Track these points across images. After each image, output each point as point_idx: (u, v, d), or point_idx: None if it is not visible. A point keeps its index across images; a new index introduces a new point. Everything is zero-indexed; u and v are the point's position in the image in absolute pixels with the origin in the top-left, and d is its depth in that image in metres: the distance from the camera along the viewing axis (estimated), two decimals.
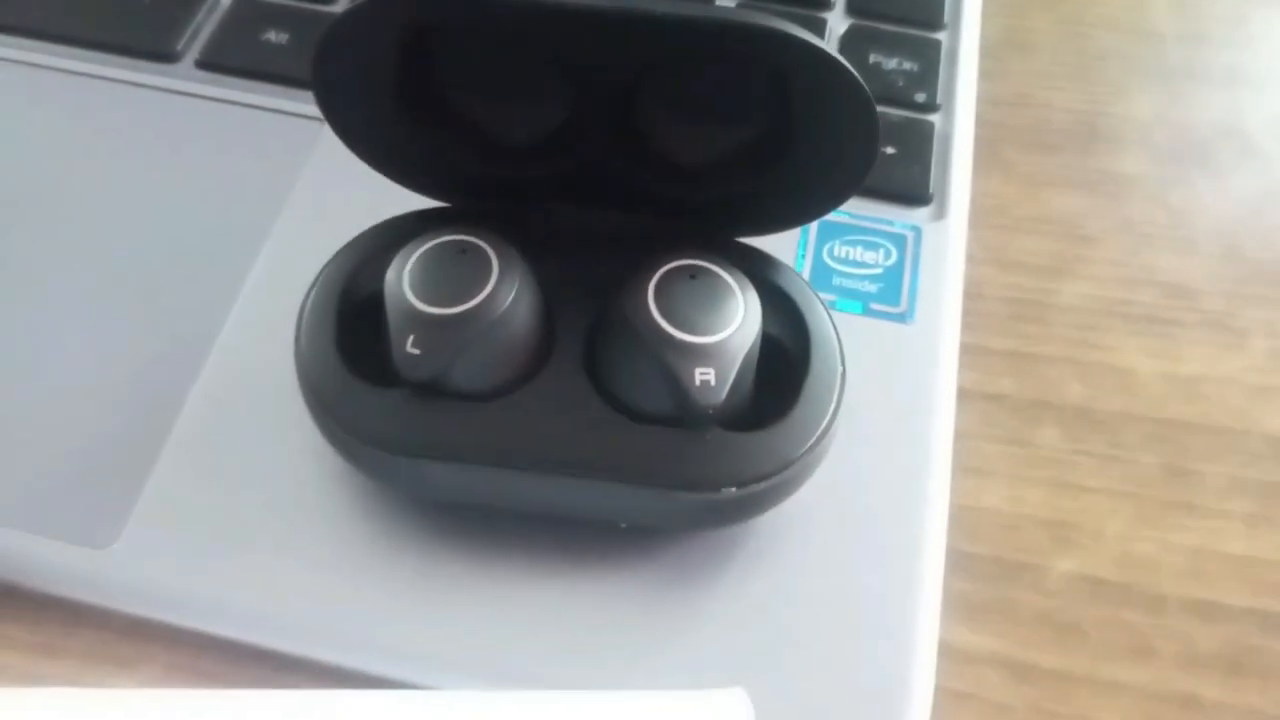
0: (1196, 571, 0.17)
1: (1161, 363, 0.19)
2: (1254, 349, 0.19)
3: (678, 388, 0.13)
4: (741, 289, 0.14)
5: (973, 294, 0.19)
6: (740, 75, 0.14)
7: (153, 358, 0.17)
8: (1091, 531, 0.17)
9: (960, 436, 0.17)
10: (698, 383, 0.13)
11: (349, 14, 0.13)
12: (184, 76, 0.20)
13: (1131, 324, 0.20)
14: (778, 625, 0.15)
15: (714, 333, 0.14)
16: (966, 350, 0.18)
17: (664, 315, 0.14)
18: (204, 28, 0.21)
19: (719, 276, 0.14)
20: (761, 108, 0.15)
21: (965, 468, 0.18)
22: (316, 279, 0.15)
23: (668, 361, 0.13)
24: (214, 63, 0.20)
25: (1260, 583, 0.17)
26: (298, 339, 0.14)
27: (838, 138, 0.14)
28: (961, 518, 0.17)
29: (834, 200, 0.15)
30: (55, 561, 0.15)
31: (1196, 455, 0.18)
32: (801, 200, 0.15)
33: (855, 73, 0.13)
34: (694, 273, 0.14)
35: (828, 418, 0.14)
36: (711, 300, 0.14)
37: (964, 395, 0.18)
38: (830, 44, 0.20)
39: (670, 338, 0.13)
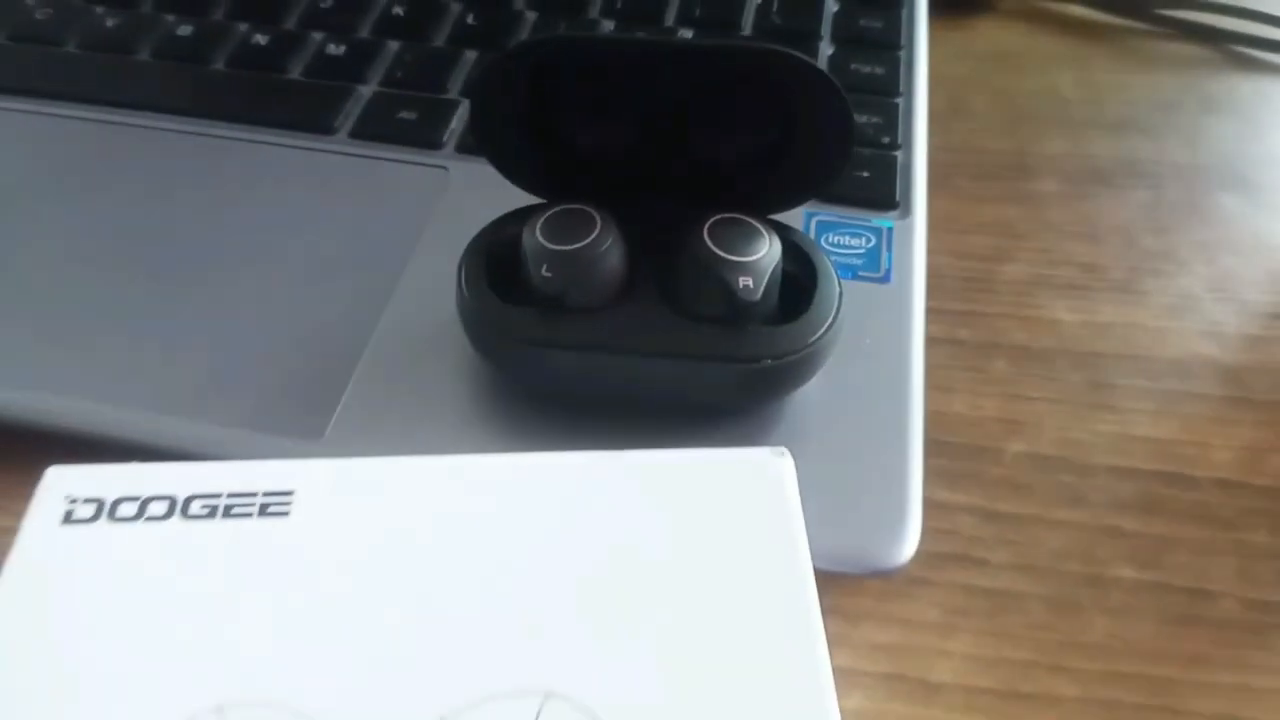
0: (1115, 449, 0.22)
1: (1081, 315, 0.25)
2: (1151, 304, 0.25)
3: (728, 290, 0.19)
4: (766, 231, 0.20)
5: (934, 274, 0.25)
6: (760, 95, 0.21)
7: (345, 314, 0.23)
8: (1034, 425, 0.23)
9: (931, 368, 0.23)
10: (740, 287, 0.19)
11: (495, 63, 0.20)
12: (341, 143, 0.27)
13: (1057, 291, 0.26)
14: (807, 478, 0.20)
15: (751, 255, 0.20)
16: (933, 312, 0.24)
17: (716, 243, 0.20)
18: (353, 111, 0.28)
19: (751, 223, 0.20)
20: (773, 121, 0.21)
21: (936, 387, 0.23)
22: (470, 243, 0.21)
23: (721, 273, 0.19)
24: (363, 133, 0.27)
25: (1163, 454, 0.22)
26: (458, 279, 0.20)
27: (825, 139, 0.20)
28: (936, 419, 0.23)
29: (823, 184, 0.21)
30: (281, 449, 0.21)
31: (1112, 374, 0.24)
32: (800, 185, 0.22)
33: (839, 84, 0.19)
34: (734, 220, 0.20)
35: (831, 316, 0.20)
36: (747, 236, 0.20)
37: (932, 341, 0.24)
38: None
39: (722, 258, 0.19)
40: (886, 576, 0.20)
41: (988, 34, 0.34)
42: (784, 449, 0.17)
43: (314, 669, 0.14)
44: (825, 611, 0.19)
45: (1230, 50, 0.33)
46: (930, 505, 0.21)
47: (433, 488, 0.16)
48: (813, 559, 0.18)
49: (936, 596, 0.20)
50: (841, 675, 0.18)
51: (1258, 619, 0.20)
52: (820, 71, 0.19)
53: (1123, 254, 0.27)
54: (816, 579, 0.15)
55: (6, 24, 0.31)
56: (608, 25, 0.31)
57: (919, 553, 0.20)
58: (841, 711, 0.18)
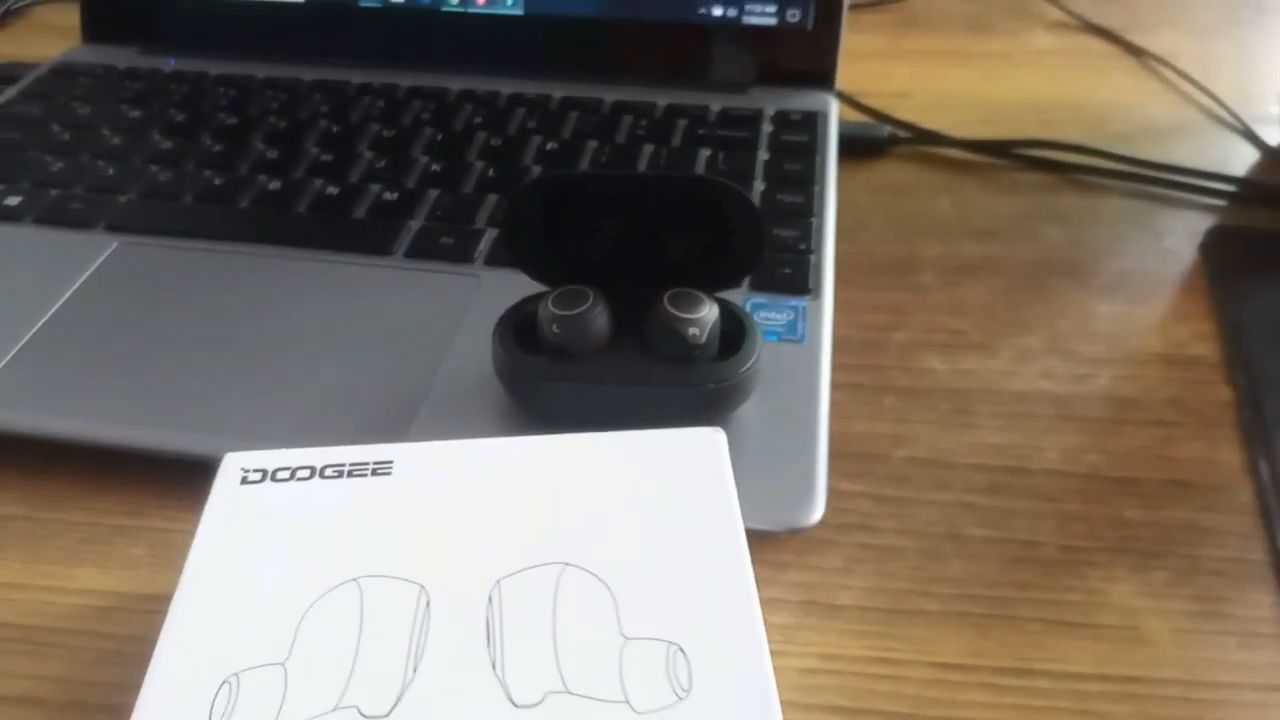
0: (973, 452, 0.30)
1: (951, 365, 0.33)
2: (1002, 356, 0.34)
3: (681, 338, 0.27)
4: (709, 299, 0.29)
5: (841, 340, 0.34)
6: (703, 212, 0.30)
7: (411, 373, 0.31)
8: (914, 439, 0.31)
9: (837, 403, 0.31)
10: (690, 335, 0.28)
11: (519, 193, 0.29)
12: (398, 262, 0.36)
13: (933, 349, 0.34)
14: (745, 469, 0.28)
15: (697, 314, 0.28)
16: (840, 366, 0.33)
17: (673, 307, 0.28)
18: (405, 238, 0.37)
19: (698, 294, 0.29)
20: (712, 229, 0.30)
21: (842, 416, 0.31)
22: (501, 316, 0.29)
23: (676, 326, 0.28)
24: (414, 254, 0.36)
25: (1008, 454, 0.30)
26: (493, 339, 0.29)
27: (748, 242, 0.29)
28: (841, 437, 0.31)
29: (745, 274, 0.30)
30: None
31: (973, 403, 0.32)
32: (732, 273, 0.30)
33: (756, 206, 0.28)
34: (686, 292, 0.29)
35: (754, 357, 0.28)
36: (695, 302, 0.28)
37: (839, 385, 0.32)
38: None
39: (677, 316, 0.28)
40: (802, 534, 0.28)
41: (885, 172, 0.43)
42: (719, 429, 0.24)
43: (412, 559, 0.21)
44: (759, 562, 0.27)
45: (1069, 177, 0.43)
46: (835, 492, 0.29)
47: (478, 456, 0.24)
48: (748, 521, 0.26)
49: (840, 551, 0.28)
50: (771, 602, 0.26)
51: (1069, 558, 0.27)
52: (744, 197, 0.28)
53: (983, 323, 0.35)
54: (753, 538, 0.23)
55: (138, 183, 0.40)
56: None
57: (827, 523, 0.27)
58: (769, 626, 0.25)
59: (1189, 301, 0.36)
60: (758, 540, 0.27)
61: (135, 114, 0.45)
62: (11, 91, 0.47)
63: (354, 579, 0.21)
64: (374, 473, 0.23)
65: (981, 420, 0.31)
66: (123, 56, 0.49)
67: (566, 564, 0.21)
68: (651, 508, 0.22)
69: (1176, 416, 0.32)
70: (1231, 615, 0.26)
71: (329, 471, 0.23)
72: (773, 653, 0.25)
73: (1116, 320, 0.35)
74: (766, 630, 0.25)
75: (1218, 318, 0.35)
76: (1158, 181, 0.42)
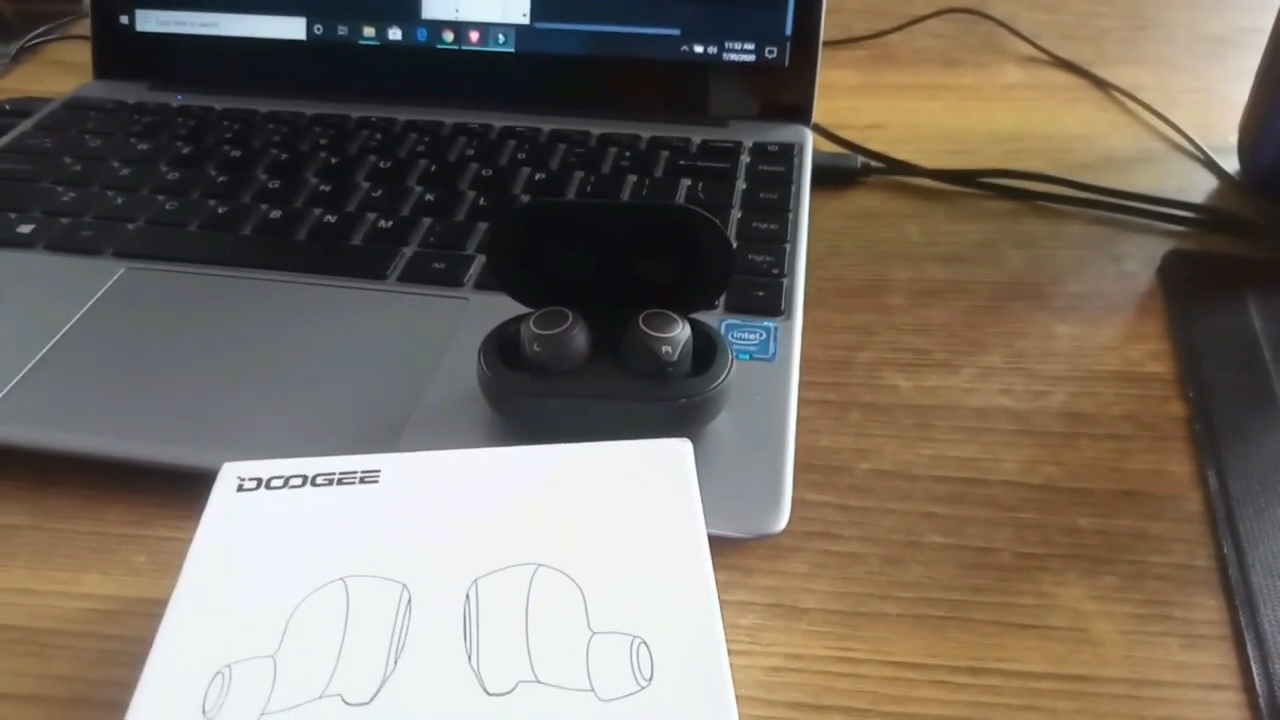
0: (934, 465, 0.32)
1: (914, 383, 0.35)
2: (964, 374, 0.35)
3: (655, 355, 0.29)
4: (681, 319, 0.30)
5: (810, 359, 0.35)
6: (676, 237, 0.31)
7: (401, 388, 0.32)
8: (877, 452, 0.32)
9: (805, 418, 0.33)
10: (663, 353, 0.29)
11: (504, 221, 0.30)
12: (391, 286, 0.38)
13: (897, 368, 0.35)
14: (716, 479, 0.29)
15: (670, 333, 0.29)
16: (808, 383, 0.34)
17: (647, 326, 0.29)
18: (399, 264, 0.39)
19: (670, 314, 0.30)
20: (685, 254, 0.31)
21: (809, 430, 0.33)
22: (486, 336, 0.31)
23: (650, 344, 0.29)
24: (407, 278, 0.38)
25: (967, 466, 0.31)
26: (478, 358, 0.30)
27: (717, 266, 0.31)
28: (808, 451, 0.32)
29: (715, 297, 0.31)
30: None
31: (934, 419, 0.33)
32: (703, 295, 0.31)
33: (725, 231, 0.30)
34: (660, 313, 0.30)
35: (725, 374, 0.29)
36: (668, 321, 0.30)
37: (807, 401, 0.33)
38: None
39: (651, 335, 0.29)
40: (769, 541, 0.29)
41: (857, 200, 0.45)
42: (686, 439, 0.26)
43: (392, 556, 0.23)
44: (728, 567, 0.28)
45: (1033, 204, 0.44)
46: (801, 502, 0.30)
47: (459, 465, 0.25)
48: (718, 528, 0.27)
49: (804, 557, 0.29)
50: (738, 605, 0.27)
51: (1023, 564, 0.29)
52: (714, 224, 0.29)
53: (946, 342, 0.36)
54: (721, 545, 0.24)
55: (145, 212, 0.42)
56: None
57: (793, 531, 0.29)
58: (736, 628, 0.27)
59: (1145, 322, 0.38)
60: (727, 546, 0.29)
61: (143, 146, 0.46)
62: (25, 125, 0.49)
63: (341, 578, 0.22)
64: (362, 480, 0.25)
65: (943, 434, 0.33)
66: (132, 92, 0.51)
67: (540, 564, 0.22)
68: (620, 513, 0.24)
69: (1130, 430, 0.33)
70: (1176, 618, 0.27)
71: (320, 480, 0.25)
72: (739, 652, 0.26)
73: (1075, 340, 0.37)
74: (734, 631, 0.27)
75: (1173, 337, 0.37)
76: (1118, 208, 0.44)
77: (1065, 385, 0.35)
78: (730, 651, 0.25)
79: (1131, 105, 0.53)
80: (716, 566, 0.22)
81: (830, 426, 0.33)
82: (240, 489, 0.25)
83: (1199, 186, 0.46)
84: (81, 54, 0.53)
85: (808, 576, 0.28)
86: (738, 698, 0.20)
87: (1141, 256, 0.41)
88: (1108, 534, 0.30)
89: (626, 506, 0.24)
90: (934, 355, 0.36)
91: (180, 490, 0.30)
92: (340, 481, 0.25)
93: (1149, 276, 0.40)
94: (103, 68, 0.53)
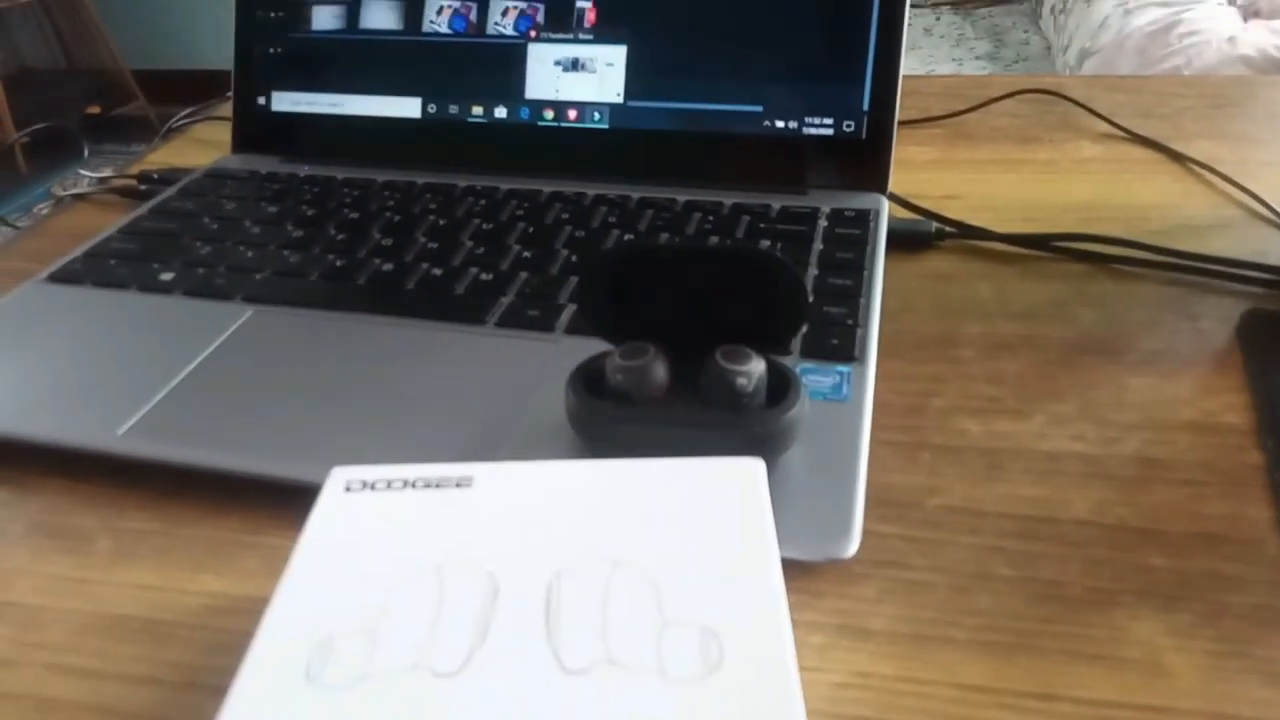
0: (1004, 502, 0.32)
1: (985, 428, 0.35)
2: (1034, 421, 0.35)
3: (732, 387, 0.30)
4: (756, 355, 0.31)
5: (883, 405, 0.36)
6: (754, 281, 0.33)
7: (498, 417, 0.34)
8: (947, 489, 0.32)
9: (877, 458, 0.33)
10: (739, 386, 0.30)
11: (593, 261, 0.32)
12: (490, 331, 0.40)
13: (968, 414, 0.36)
14: (791, 506, 0.30)
15: (746, 366, 0.31)
16: (881, 427, 0.35)
17: (725, 360, 0.31)
18: (497, 311, 0.41)
19: (747, 350, 0.31)
20: (761, 297, 0.33)
21: (881, 469, 0.33)
22: (574, 369, 0.33)
23: (728, 377, 0.30)
24: (504, 324, 0.40)
25: (1037, 505, 0.31)
26: (566, 388, 0.32)
27: (793, 310, 0.32)
28: (880, 488, 0.32)
29: (790, 340, 0.32)
30: None
31: (1005, 460, 0.33)
32: (777, 337, 0.33)
33: (800, 277, 0.31)
34: (737, 348, 0.31)
35: (797, 406, 0.31)
36: (745, 356, 0.31)
37: (880, 443, 0.34)
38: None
39: (728, 368, 0.30)
40: (839, 566, 0.29)
41: (931, 262, 0.46)
42: (759, 458, 0.27)
43: (482, 550, 0.24)
44: (799, 590, 0.29)
45: (1107, 266, 0.45)
46: (871, 533, 0.30)
47: (545, 475, 0.26)
48: (790, 551, 0.28)
49: (874, 583, 0.29)
50: (808, 624, 0.28)
51: (1094, 597, 0.28)
52: (790, 267, 0.31)
53: (1017, 392, 0.37)
54: (793, 568, 0.24)
55: (272, 264, 0.45)
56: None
57: (863, 559, 0.29)
58: (805, 646, 0.27)
59: (1222, 377, 0.37)
60: (797, 570, 0.29)
61: (272, 209, 0.51)
62: (171, 191, 0.53)
63: (435, 567, 0.24)
64: (457, 485, 0.26)
65: (1013, 475, 0.33)
66: (265, 164, 0.56)
67: (618, 562, 0.24)
68: (694, 521, 0.25)
69: (1206, 477, 0.33)
70: (1256, 656, 0.27)
71: (419, 483, 0.26)
72: (807, 668, 0.27)
73: (1148, 392, 0.36)
74: (802, 649, 0.27)
75: (1251, 390, 0.36)
76: (1194, 270, 0.43)
77: (1139, 433, 0.34)
78: (798, 667, 0.26)
79: (1209, 176, 0.53)
80: (787, 588, 0.23)
81: (901, 465, 0.34)
82: (348, 490, 0.26)
83: (1278, 251, 0.45)
84: (222, 133, 0.59)
85: (876, 601, 0.29)
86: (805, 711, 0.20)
87: (1218, 315, 0.41)
88: (1182, 573, 0.29)
89: (701, 516, 0.25)
90: (1005, 403, 0.36)
91: (292, 503, 0.32)
92: (438, 485, 0.26)
93: (1226, 334, 0.40)
94: (241, 143, 0.58)
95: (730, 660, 0.21)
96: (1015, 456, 0.34)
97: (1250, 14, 1.92)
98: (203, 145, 0.65)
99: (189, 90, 0.65)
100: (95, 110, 2.90)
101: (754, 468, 0.27)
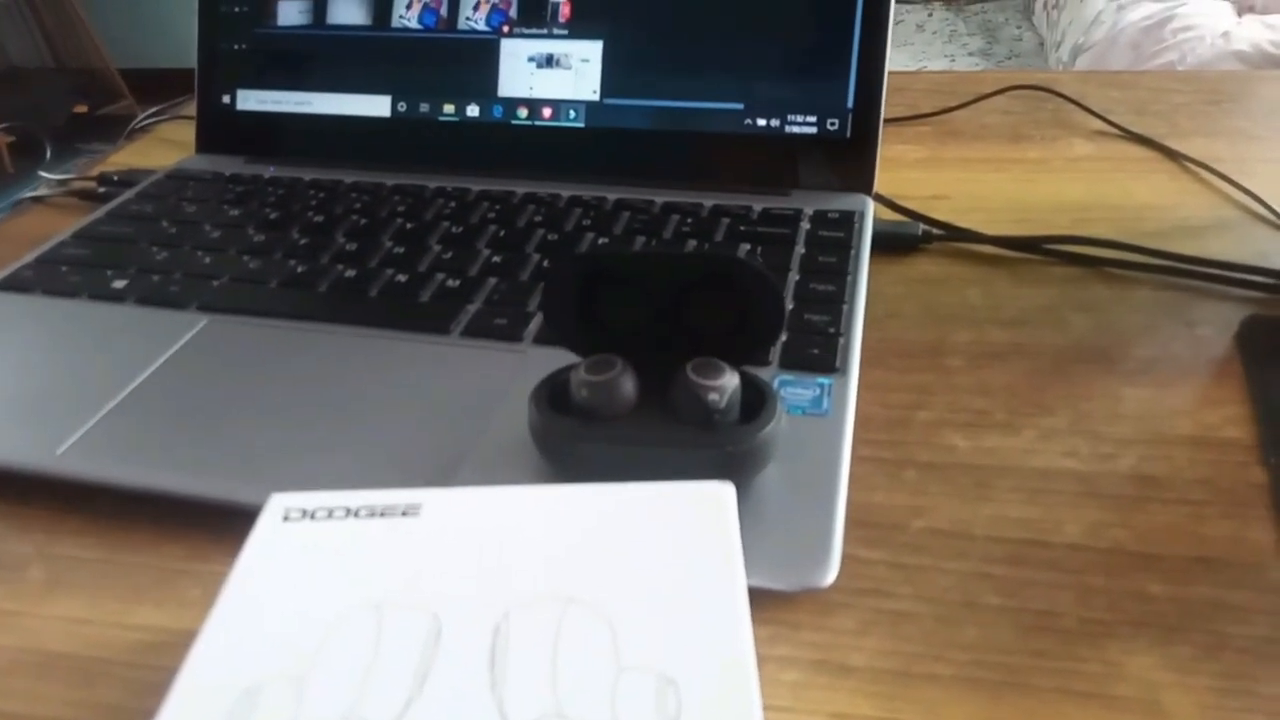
0: (992, 524, 0.30)
1: (973, 443, 0.33)
2: (1024, 435, 0.33)
3: (703, 403, 0.28)
4: (730, 368, 0.29)
5: (866, 417, 0.34)
6: (727, 288, 0.31)
7: (457, 434, 0.32)
8: (933, 510, 0.31)
9: (859, 475, 0.31)
10: (711, 400, 0.28)
11: (558, 269, 0.30)
12: (454, 340, 0.38)
13: (956, 428, 0.34)
14: (764, 529, 0.28)
15: (718, 380, 0.29)
16: (864, 441, 0.33)
17: (695, 374, 0.29)
18: (463, 320, 0.39)
19: (720, 363, 0.29)
20: (736, 306, 0.31)
21: (863, 488, 0.31)
22: (538, 383, 0.31)
23: (698, 391, 0.28)
24: (470, 333, 0.38)
25: (1028, 528, 0.30)
26: (529, 404, 0.30)
27: (767, 318, 0.30)
28: (861, 508, 0.31)
29: (766, 350, 0.31)
30: None
31: (994, 479, 0.32)
32: (753, 349, 0.31)
33: (776, 283, 0.29)
34: (709, 361, 0.30)
35: (773, 422, 0.29)
36: (716, 369, 0.29)
37: (862, 459, 0.32)
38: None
39: (699, 382, 0.29)
40: (817, 596, 0.27)
41: (918, 266, 0.44)
42: (729, 483, 0.25)
43: (426, 587, 0.22)
44: (773, 621, 0.27)
45: (1100, 270, 0.43)
46: (852, 558, 0.29)
47: (499, 501, 0.25)
48: (763, 580, 0.26)
49: (854, 614, 0.27)
50: (781, 660, 0.26)
51: (1088, 629, 0.27)
52: (765, 275, 0.29)
53: (1006, 403, 0.35)
54: (767, 597, 0.22)
55: (230, 270, 0.43)
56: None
57: (843, 587, 0.27)
58: (778, 684, 0.25)
59: (1221, 387, 0.35)
60: (772, 600, 0.27)
61: (234, 212, 0.49)
62: (129, 193, 0.51)
63: (374, 606, 0.22)
64: (404, 514, 0.24)
65: (1002, 495, 0.31)
66: (230, 165, 0.54)
67: (572, 599, 0.22)
68: (657, 553, 0.23)
69: (1205, 496, 0.31)
70: (1261, 694, 0.25)
71: (362, 512, 0.25)
72: (780, 709, 0.25)
73: (1144, 403, 0.35)
74: (775, 688, 0.25)
75: (1252, 402, 0.34)
76: (1191, 274, 0.42)
77: (1134, 449, 0.33)
78: (770, 708, 0.24)
79: (1206, 175, 0.51)
80: (760, 620, 0.21)
81: (885, 484, 0.32)
82: (286, 519, 0.25)
83: (1278, 253, 0.44)
84: (188, 133, 0.57)
85: (856, 634, 0.27)
86: None
87: (1216, 322, 0.39)
88: (1181, 602, 0.27)
89: (664, 547, 0.23)
90: (994, 416, 0.34)
91: (240, 528, 0.29)
92: (383, 514, 0.25)
93: (1225, 342, 0.38)
94: (205, 143, 0.56)
95: (689, 713, 0.19)
96: (1004, 474, 0.32)
97: (1244, 9, 1.91)
98: (168, 145, 0.63)
99: (177, 89, 0.63)
100: (82, 109, 2.87)
101: (722, 494, 0.25)
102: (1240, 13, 1.90)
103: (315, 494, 0.25)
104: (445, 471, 0.31)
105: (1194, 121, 0.58)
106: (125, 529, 0.32)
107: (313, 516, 0.25)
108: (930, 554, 0.29)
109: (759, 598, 0.26)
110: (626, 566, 0.23)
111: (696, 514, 0.24)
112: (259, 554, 0.24)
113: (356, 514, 0.25)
